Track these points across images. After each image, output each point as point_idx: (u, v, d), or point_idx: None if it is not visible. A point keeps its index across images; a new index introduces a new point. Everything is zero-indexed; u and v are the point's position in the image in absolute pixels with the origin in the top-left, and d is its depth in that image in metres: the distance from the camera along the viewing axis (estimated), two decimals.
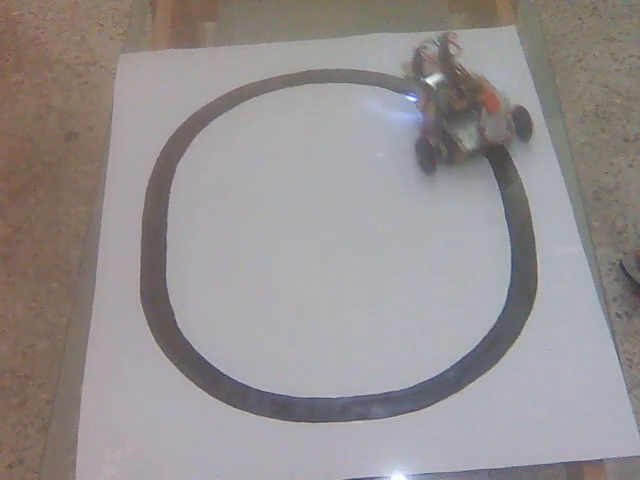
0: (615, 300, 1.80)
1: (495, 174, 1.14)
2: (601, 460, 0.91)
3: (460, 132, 1.13)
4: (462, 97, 1.13)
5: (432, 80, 1.14)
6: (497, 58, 1.29)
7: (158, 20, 1.47)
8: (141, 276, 1.07)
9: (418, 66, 1.18)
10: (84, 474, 0.92)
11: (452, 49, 1.16)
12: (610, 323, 1.00)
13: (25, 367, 1.73)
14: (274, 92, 1.28)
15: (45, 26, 2.49)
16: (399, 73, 1.23)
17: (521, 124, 1.16)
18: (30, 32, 2.47)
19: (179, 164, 1.19)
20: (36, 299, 1.85)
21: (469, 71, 1.15)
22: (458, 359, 0.97)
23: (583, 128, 2.12)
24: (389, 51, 1.31)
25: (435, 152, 1.14)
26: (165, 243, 1.10)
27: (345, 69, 1.29)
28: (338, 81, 1.29)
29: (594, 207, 1.95)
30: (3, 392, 1.70)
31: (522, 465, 0.90)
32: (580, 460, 0.91)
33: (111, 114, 1.27)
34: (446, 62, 1.16)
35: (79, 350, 1.02)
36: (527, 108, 1.18)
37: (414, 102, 1.19)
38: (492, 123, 1.14)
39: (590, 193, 1.98)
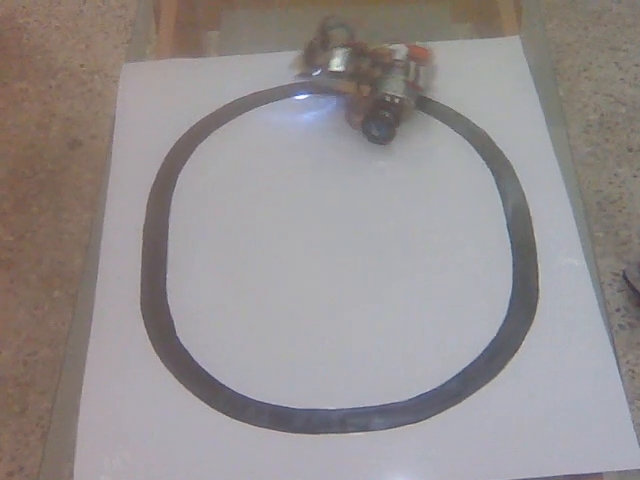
0: (618, 311, 1.80)
1: (497, 184, 1.14)
2: (600, 472, 0.91)
3: (395, 90, 1.17)
4: (376, 65, 1.18)
5: (336, 65, 1.17)
6: (501, 68, 1.29)
7: (162, 29, 1.47)
8: (141, 285, 1.07)
9: (310, 59, 1.21)
10: None
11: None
12: (611, 335, 1.00)
13: (26, 375, 1.73)
14: (277, 102, 1.27)
15: (50, 34, 2.49)
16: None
17: None
18: (35, 40, 2.48)
19: (181, 174, 1.19)
20: (38, 307, 1.85)
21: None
22: (458, 370, 0.97)
23: (587, 138, 2.12)
24: None
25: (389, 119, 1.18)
26: (166, 252, 1.10)
27: None
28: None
29: (598, 217, 1.95)
30: (4, 400, 1.70)
31: (522, 477, 0.90)
32: (579, 473, 0.90)
33: (114, 123, 1.27)
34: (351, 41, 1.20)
35: (79, 358, 1.01)
36: (530, 119, 1.18)
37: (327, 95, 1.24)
38: (423, 72, 1.20)
39: (594, 203, 1.97)
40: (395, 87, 1.17)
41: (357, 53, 1.18)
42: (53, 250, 1.94)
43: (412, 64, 1.18)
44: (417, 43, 1.20)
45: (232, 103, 1.27)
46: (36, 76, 2.38)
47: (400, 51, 1.20)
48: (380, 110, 1.17)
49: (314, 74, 1.20)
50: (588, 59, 2.32)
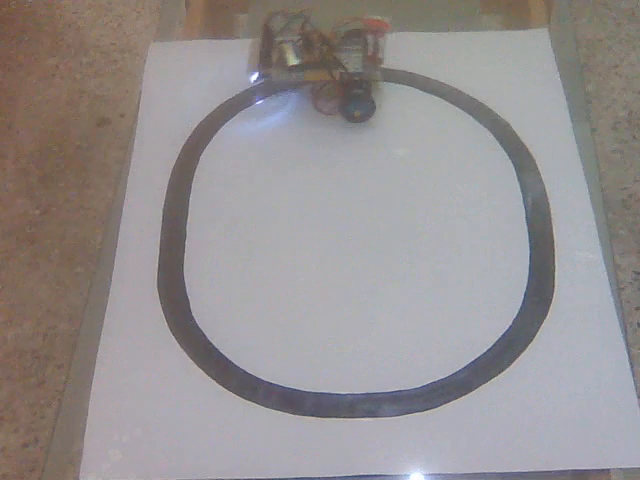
0: (638, 309, 1.79)
1: (518, 176, 1.14)
2: (607, 469, 0.91)
3: (357, 67, 1.18)
4: (329, 47, 1.18)
5: (293, 59, 1.18)
6: (527, 60, 1.28)
7: (191, 10, 1.48)
8: (159, 264, 1.08)
9: (265, 60, 1.21)
10: (90, 457, 0.92)
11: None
12: (625, 333, 0.99)
13: (45, 348, 1.75)
14: (302, 88, 1.27)
15: (83, 11, 2.50)
16: (428, 73, 1.24)
17: None
18: (68, 17, 2.49)
19: (203, 154, 1.19)
20: (60, 282, 1.86)
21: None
22: (470, 361, 0.97)
23: (615, 135, 2.11)
24: (417, 50, 1.30)
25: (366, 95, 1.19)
26: (185, 233, 1.11)
27: None
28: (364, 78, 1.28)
29: (622, 215, 1.93)
30: (22, 372, 1.71)
31: (528, 471, 0.90)
32: (587, 469, 0.91)
33: (139, 101, 1.28)
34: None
35: (94, 333, 1.02)
36: (554, 113, 1.18)
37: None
38: (382, 44, 1.21)
39: (618, 200, 1.96)
40: (357, 64, 1.18)
41: (305, 42, 1.19)
42: (77, 226, 1.95)
43: (370, 38, 1.19)
44: (374, 16, 1.22)
45: (257, 86, 1.27)
46: (67, 53, 2.39)
47: (356, 26, 1.22)
48: (353, 89, 1.18)
49: (276, 74, 1.20)
50: (620, 56, 2.30)
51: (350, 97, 1.19)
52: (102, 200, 2.00)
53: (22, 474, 1.57)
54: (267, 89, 1.26)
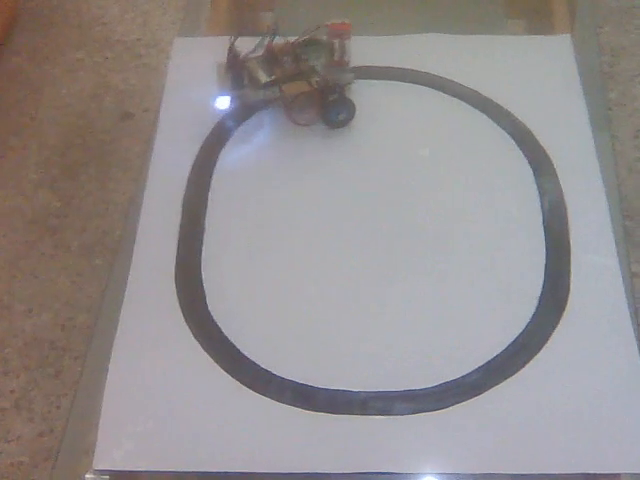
0: None
1: (536, 180, 1.14)
2: (618, 473, 0.91)
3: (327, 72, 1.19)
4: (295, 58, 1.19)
5: (265, 76, 1.18)
6: (549, 66, 1.29)
7: (216, 7, 1.49)
8: (177, 257, 1.09)
9: (236, 80, 1.20)
10: (104, 446, 0.93)
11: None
12: (639, 340, 0.99)
13: (63, 339, 1.76)
14: None
15: (109, 6, 2.51)
16: (450, 75, 1.24)
17: None
18: (94, 11, 2.50)
19: (223, 150, 1.20)
20: (79, 274, 1.87)
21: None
22: (483, 362, 0.97)
23: (636, 143, 2.10)
24: (441, 52, 1.31)
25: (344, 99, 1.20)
26: (203, 227, 1.12)
27: (395, 67, 1.30)
28: (387, 79, 1.29)
29: None
30: (40, 362, 1.73)
31: (539, 473, 0.90)
32: (597, 473, 0.91)
33: (162, 96, 1.29)
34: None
35: (111, 325, 1.03)
36: (574, 119, 1.19)
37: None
38: (348, 46, 1.20)
39: (638, 208, 1.96)
40: (330, 70, 1.19)
41: (272, 58, 1.19)
42: (97, 219, 1.97)
43: (336, 42, 1.19)
44: (336, 20, 1.21)
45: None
46: (93, 47, 2.40)
47: (321, 33, 1.21)
48: (329, 95, 1.19)
49: (251, 94, 1.20)
50: None
51: (330, 104, 1.19)
52: (123, 193, 2.01)
53: (37, 463, 1.58)
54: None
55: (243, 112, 1.25)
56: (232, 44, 1.19)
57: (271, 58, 1.19)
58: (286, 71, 1.18)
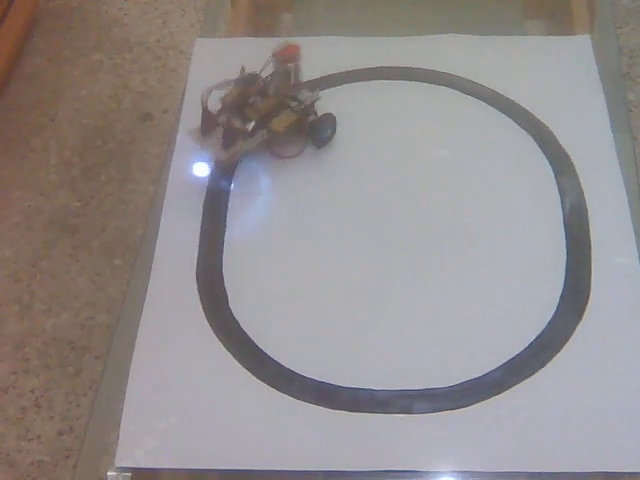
0: None
1: (557, 180, 1.14)
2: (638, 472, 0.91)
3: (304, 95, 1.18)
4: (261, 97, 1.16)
5: (250, 125, 1.13)
6: (569, 66, 1.29)
7: (236, 8, 1.50)
8: (198, 256, 1.09)
9: (228, 141, 1.14)
10: (126, 444, 0.94)
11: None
12: None
13: (83, 339, 1.77)
14: (343, 86, 1.29)
15: (129, 8, 2.52)
16: (470, 75, 1.24)
17: None
18: (114, 13, 2.51)
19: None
20: (99, 274, 1.88)
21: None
22: (504, 361, 0.98)
23: None
24: (460, 53, 1.31)
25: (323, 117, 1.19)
26: (224, 227, 1.12)
27: (415, 68, 1.30)
28: (409, 79, 1.29)
29: None
30: (60, 361, 1.73)
31: (560, 472, 0.90)
32: (619, 472, 0.90)
33: (183, 97, 1.29)
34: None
35: (133, 324, 1.04)
36: (595, 119, 1.19)
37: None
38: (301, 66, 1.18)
39: None
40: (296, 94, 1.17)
41: (239, 104, 1.15)
42: (117, 219, 1.97)
43: (291, 66, 1.16)
44: (284, 44, 1.17)
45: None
46: (112, 48, 2.41)
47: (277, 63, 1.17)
48: (307, 117, 1.18)
49: (243, 149, 1.16)
50: None
51: (314, 124, 1.18)
52: (142, 194, 2.02)
53: (57, 461, 1.59)
54: None
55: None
56: (205, 105, 1.15)
57: (240, 105, 1.14)
58: (263, 110, 1.15)
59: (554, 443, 0.91)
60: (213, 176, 1.18)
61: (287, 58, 1.16)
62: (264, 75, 1.17)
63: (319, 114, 1.19)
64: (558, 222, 1.10)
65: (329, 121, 1.20)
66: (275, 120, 1.15)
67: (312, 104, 1.18)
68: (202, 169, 1.19)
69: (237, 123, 1.12)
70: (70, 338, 1.77)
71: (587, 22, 1.40)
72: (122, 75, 2.33)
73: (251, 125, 1.13)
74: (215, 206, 1.15)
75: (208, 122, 1.15)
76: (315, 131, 1.19)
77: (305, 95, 1.18)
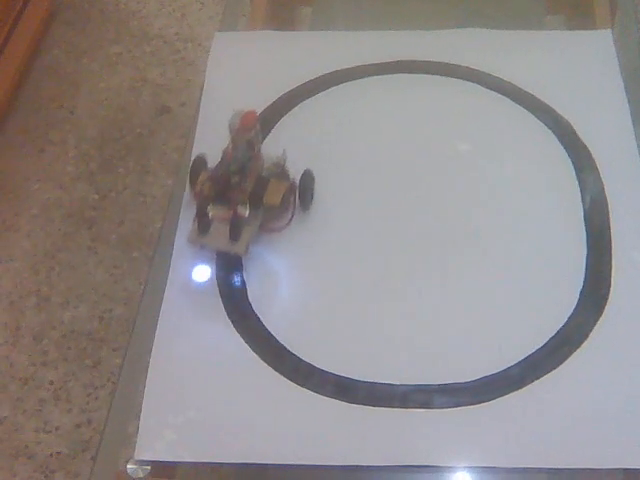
0: None
1: (577, 175, 1.14)
2: None
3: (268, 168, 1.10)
4: (239, 179, 1.07)
5: (243, 210, 1.05)
6: (590, 61, 1.28)
7: (255, 2, 1.49)
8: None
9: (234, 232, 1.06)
10: (146, 436, 0.94)
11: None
12: None
13: (101, 331, 1.77)
14: (364, 79, 1.29)
15: (147, 1, 2.53)
16: (491, 70, 1.24)
17: None
18: (132, 6, 2.52)
19: (264, 143, 1.20)
20: (117, 266, 1.88)
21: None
22: (523, 357, 0.97)
23: None
24: (482, 47, 1.31)
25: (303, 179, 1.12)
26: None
27: (436, 61, 1.29)
28: (429, 73, 1.29)
29: None
30: (78, 353, 1.74)
31: (579, 467, 0.90)
32: (637, 468, 0.90)
33: (202, 90, 1.29)
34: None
35: (151, 317, 1.04)
36: (616, 114, 1.18)
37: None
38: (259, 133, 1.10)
39: None
40: (266, 167, 1.10)
41: (223, 189, 1.07)
42: (135, 212, 1.98)
43: (252, 134, 1.07)
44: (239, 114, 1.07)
45: (319, 78, 1.28)
46: (131, 41, 2.42)
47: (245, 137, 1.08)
48: (288, 182, 1.10)
49: (249, 237, 1.07)
50: None
51: (300, 187, 1.11)
52: (160, 187, 2.03)
53: (75, 454, 1.60)
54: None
55: (285, 103, 1.25)
56: (201, 190, 1.07)
57: (224, 189, 1.07)
58: (249, 188, 1.07)
59: (574, 439, 0.91)
60: None
61: (248, 128, 1.07)
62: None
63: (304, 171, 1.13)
64: (578, 217, 1.09)
65: (310, 179, 1.13)
66: (267, 195, 1.07)
67: (283, 169, 1.11)
68: None
69: (242, 210, 1.05)
70: (88, 330, 1.78)
71: (608, 17, 1.39)
72: (140, 68, 2.34)
73: (247, 208, 1.06)
74: None
75: (204, 220, 1.06)
76: (303, 193, 1.12)
77: (276, 159, 1.11)
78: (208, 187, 1.07)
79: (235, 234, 1.05)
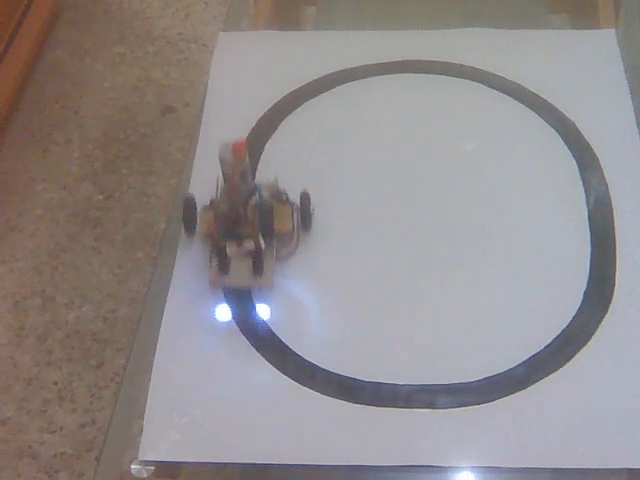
0: None
1: (581, 174, 1.14)
2: None
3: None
4: (240, 213, 1.04)
5: (258, 242, 1.03)
6: (593, 60, 1.28)
7: (259, 1, 1.49)
8: None
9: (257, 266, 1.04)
10: (150, 437, 0.94)
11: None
12: None
13: (105, 331, 1.77)
14: (368, 79, 1.29)
15: (151, 1, 2.53)
16: (494, 69, 1.24)
17: None
18: (136, 6, 2.52)
19: (268, 143, 1.21)
20: (121, 266, 1.88)
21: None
22: (527, 357, 0.97)
23: None
24: (486, 46, 1.31)
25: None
26: None
27: (440, 61, 1.29)
28: (433, 73, 1.29)
29: None
30: (82, 353, 1.74)
31: (583, 467, 0.90)
32: None
33: (206, 90, 1.29)
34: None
35: (156, 317, 1.04)
36: (620, 113, 1.18)
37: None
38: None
39: None
40: (259, 193, 1.07)
41: (234, 223, 1.04)
42: (139, 212, 1.98)
43: (246, 164, 1.04)
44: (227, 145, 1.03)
45: (323, 77, 1.28)
46: (135, 41, 2.42)
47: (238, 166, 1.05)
48: (289, 204, 1.09)
49: (272, 269, 1.05)
50: None
51: (302, 211, 1.09)
52: (165, 187, 2.03)
53: (79, 454, 1.60)
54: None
55: (290, 103, 1.25)
56: (212, 230, 1.04)
57: (235, 223, 1.04)
58: (256, 219, 1.04)
59: (578, 439, 0.91)
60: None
61: (241, 159, 1.03)
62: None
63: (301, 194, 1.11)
64: (582, 217, 1.09)
65: (308, 201, 1.10)
66: (277, 222, 1.06)
67: (276, 191, 1.09)
68: None
69: (260, 243, 1.03)
70: (92, 331, 1.78)
71: (612, 16, 1.39)
72: (144, 68, 2.34)
73: (262, 240, 1.03)
74: None
75: (224, 261, 1.04)
76: (305, 218, 1.10)
77: (269, 182, 1.09)
78: (217, 226, 1.04)
79: (259, 268, 1.03)
